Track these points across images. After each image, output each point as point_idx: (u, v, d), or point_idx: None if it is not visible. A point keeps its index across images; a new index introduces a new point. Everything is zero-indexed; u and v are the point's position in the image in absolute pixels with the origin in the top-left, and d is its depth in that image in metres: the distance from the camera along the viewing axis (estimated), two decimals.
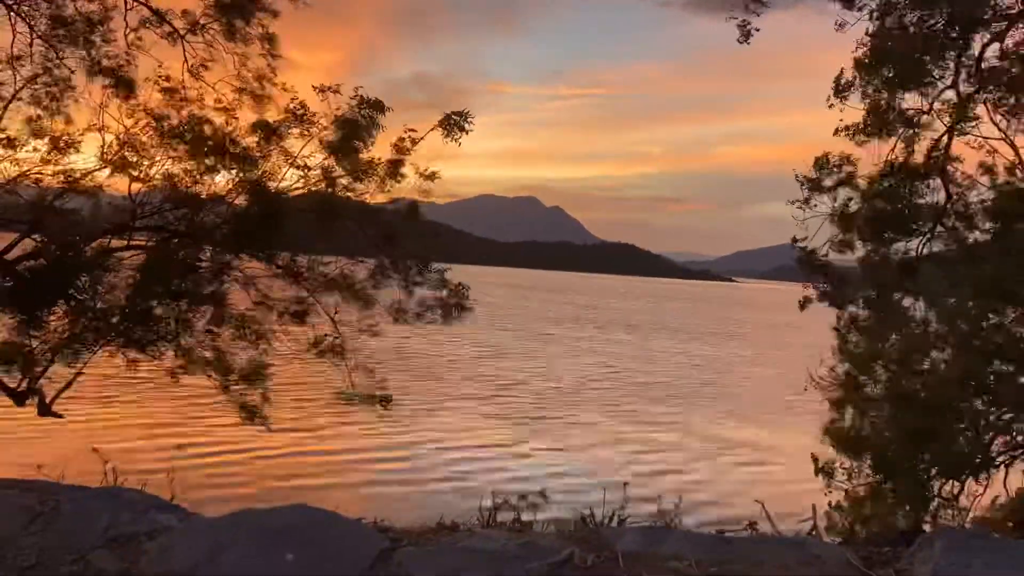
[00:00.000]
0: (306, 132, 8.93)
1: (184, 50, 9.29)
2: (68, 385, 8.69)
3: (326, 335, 9.16)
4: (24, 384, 8.51)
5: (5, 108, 8.70)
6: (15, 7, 8.68)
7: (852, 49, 10.21)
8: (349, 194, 9.01)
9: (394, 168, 8.92)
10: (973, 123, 10.05)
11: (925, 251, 10.47)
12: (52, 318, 8.30)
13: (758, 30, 10.36)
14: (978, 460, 9.27)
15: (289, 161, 8.99)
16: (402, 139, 8.91)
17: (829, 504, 10.33)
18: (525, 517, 7.37)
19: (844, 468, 10.37)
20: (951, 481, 9.58)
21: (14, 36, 8.79)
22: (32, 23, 8.80)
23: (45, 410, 8.80)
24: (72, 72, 8.95)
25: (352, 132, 8.71)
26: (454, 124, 8.81)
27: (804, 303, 11.28)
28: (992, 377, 9.04)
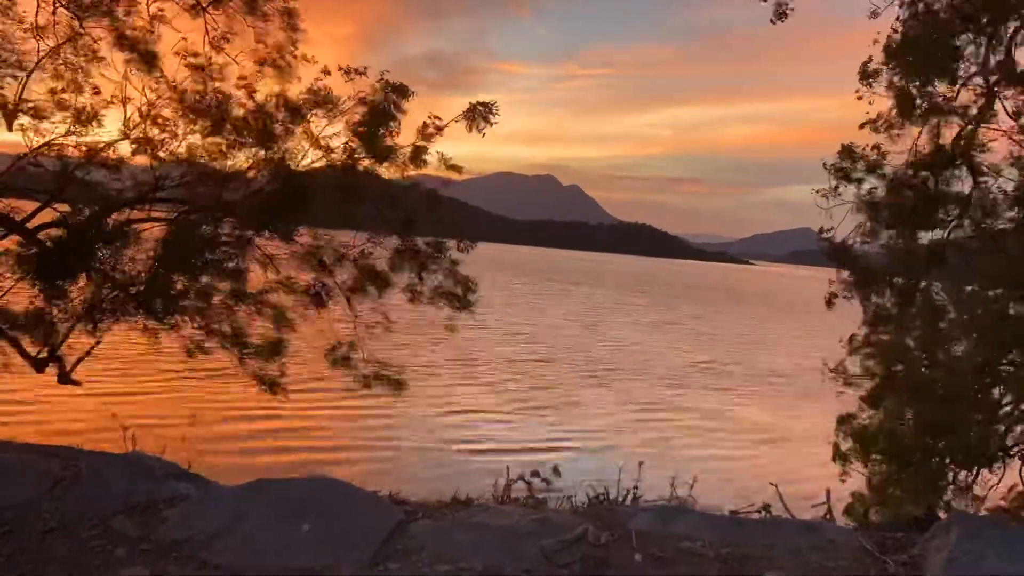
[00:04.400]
0: (329, 113, 8.91)
1: (206, 22, 9.25)
2: (87, 353, 8.77)
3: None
4: (44, 351, 8.61)
5: (28, 78, 8.69)
6: None
7: (878, 34, 10.09)
8: (369, 172, 8.99)
9: (417, 153, 8.89)
10: (1002, 110, 9.91)
11: (952, 239, 10.33)
12: (73, 287, 8.36)
13: (792, 9, 10.23)
14: (993, 450, 9.22)
15: (311, 140, 8.97)
16: (426, 125, 8.85)
17: (844, 490, 10.32)
18: (540, 494, 7.41)
19: (859, 453, 10.35)
20: (965, 471, 9.54)
21: (38, 5, 8.75)
22: None
23: (65, 378, 8.90)
24: (96, 42, 8.92)
25: (377, 118, 8.68)
26: (478, 115, 8.70)
27: (831, 299, 10.96)
28: (1010, 367, 8.97)
